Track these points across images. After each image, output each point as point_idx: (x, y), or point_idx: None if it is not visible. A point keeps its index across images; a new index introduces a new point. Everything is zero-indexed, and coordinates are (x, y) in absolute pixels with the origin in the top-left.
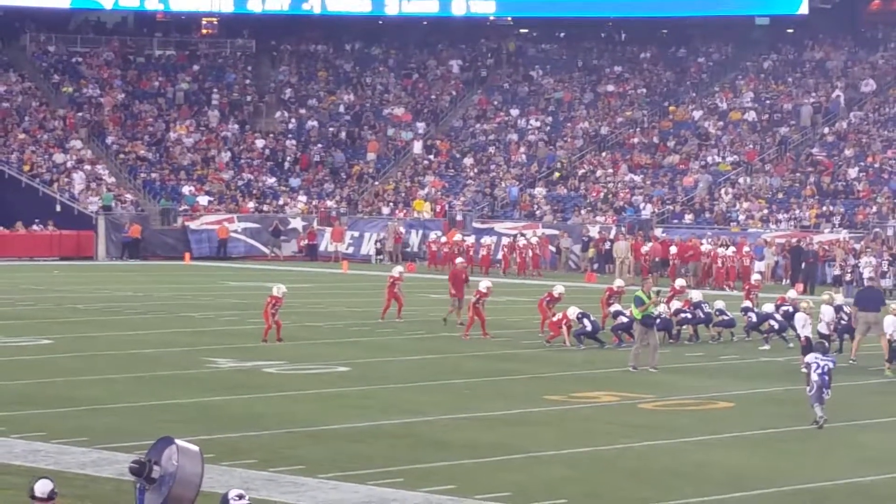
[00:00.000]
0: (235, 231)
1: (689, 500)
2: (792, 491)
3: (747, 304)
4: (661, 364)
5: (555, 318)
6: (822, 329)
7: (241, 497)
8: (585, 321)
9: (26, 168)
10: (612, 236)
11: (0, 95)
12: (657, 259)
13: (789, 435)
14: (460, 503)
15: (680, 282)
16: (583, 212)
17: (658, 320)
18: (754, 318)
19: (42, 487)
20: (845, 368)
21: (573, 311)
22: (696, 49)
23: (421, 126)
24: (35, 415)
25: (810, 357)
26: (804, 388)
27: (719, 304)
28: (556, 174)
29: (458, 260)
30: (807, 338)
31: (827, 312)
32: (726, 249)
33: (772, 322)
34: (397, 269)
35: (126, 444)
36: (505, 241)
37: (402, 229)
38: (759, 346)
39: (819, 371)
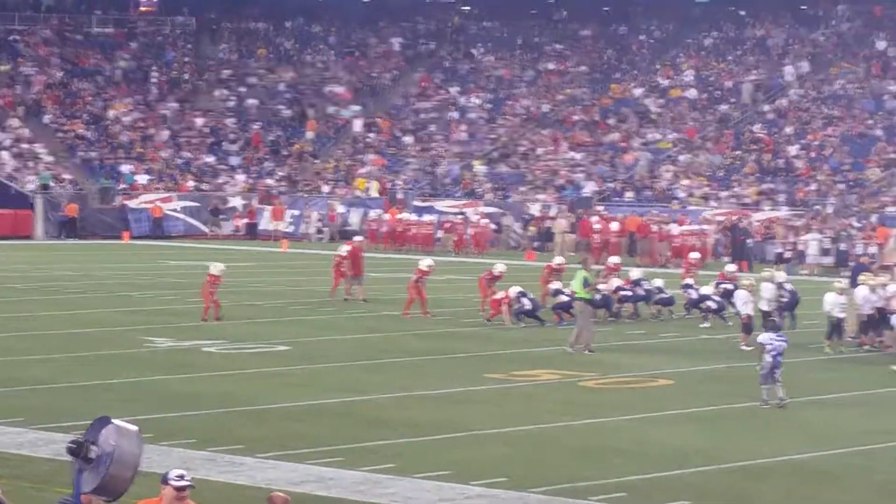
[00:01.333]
0: (174, 210)
1: (631, 478)
2: (733, 468)
3: (688, 281)
4: (603, 342)
5: (496, 297)
6: (764, 307)
7: (181, 477)
8: (524, 300)
9: None
10: (552, 214)
11: None
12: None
13: (730, 412)
14: (400, 482)
15: (614, 259)
16: (521, 188)
17: (598, 297)
18: (694, 296)
19: None
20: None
21: (514, 291)
22: (637, 27)
23: (361, 104)
24: None
25: (763, 337)
26: (745, 366)
27: (658, 282)
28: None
29: (357, 238)
30: (748, 315)
31: (767, 289)
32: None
33: (709, 303)
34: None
35: (63, 424)
36: (446, 219)
37: (340, 208)
38: (699, 323)
39: (773, 352)
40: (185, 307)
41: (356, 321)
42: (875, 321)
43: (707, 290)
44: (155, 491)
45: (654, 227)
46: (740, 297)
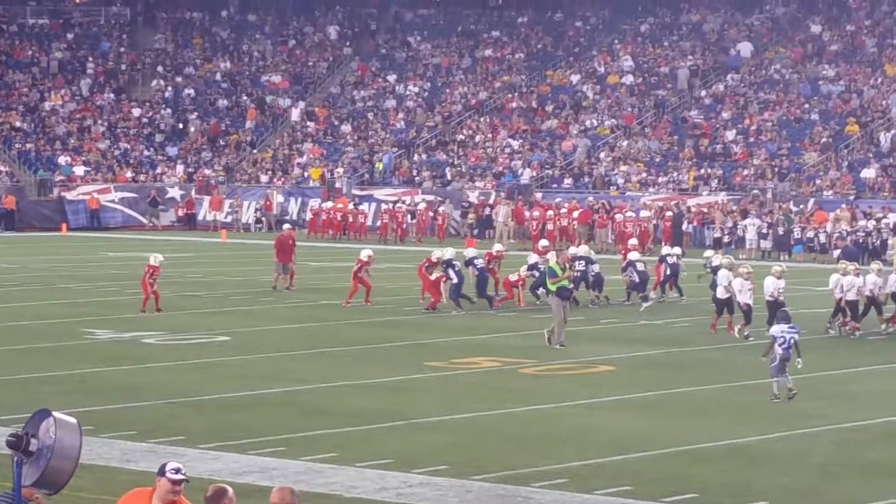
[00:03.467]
0: (112, 201)
1: (571, 464)
2: (672, 452)
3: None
4: (540, 329)
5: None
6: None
7: (177, 471)
8: (451, 272)
9: None
10: (491, 201)
11: None
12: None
13: (670, 397)
14: (342, 471)
15: (497, 247)
16: (451, 176)
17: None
18: (636, 279)
19: None
20: (724, 330)
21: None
22: (572, 13)
23: (298, 93)
24: None
25: (776, 329)
26: (684, 351)
27: (595, 268)
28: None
29: (285, 226)
30: (748, 304)
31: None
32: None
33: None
34: (365, 253)
35: (3, 417)
36: (384, 207)
37: (278, 197)
38: (638, 308)
39: (784, 345)
40: (124, 299)
41: (295, 311)
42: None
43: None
44: (96, 484)
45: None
46: (737, 284)
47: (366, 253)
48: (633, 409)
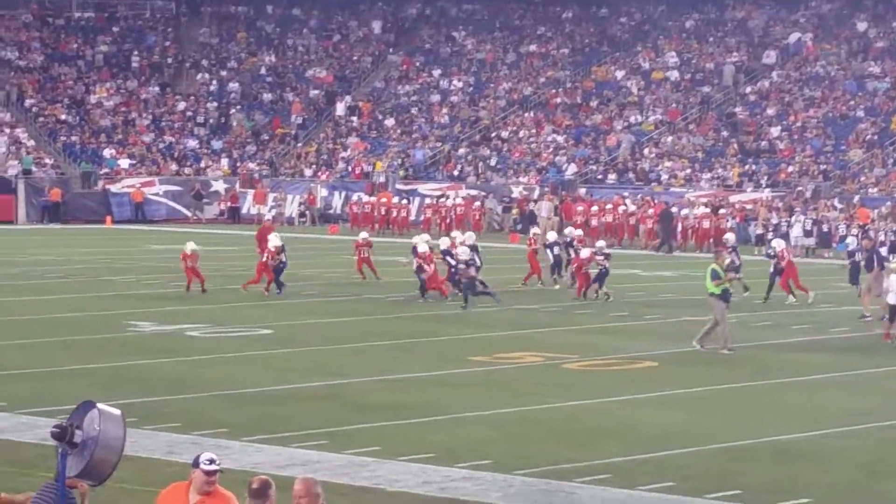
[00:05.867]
0: (156, 194)
1: (615, 460)
2: (717, 449)
3: None
4: (585, 324)
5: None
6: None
7: (211, 461)
8: (450, 258)
9: None
10: (535, 197)
11: None
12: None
13: (712, 394)
14: (385, 464)
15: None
16: (494, 174)
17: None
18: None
19: None
20: (769, 326)
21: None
22: (617, 9)
23: (343, 88)
24: None
25: None
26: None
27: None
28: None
29: (266, 218)
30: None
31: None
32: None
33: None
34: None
35: (47, 408)
36: (427, 201)
37: (323, 191)
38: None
39: None
40: (168, 291)
41: (338, 305)
42: None
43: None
44: (139, 476)
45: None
46: (893, 283)
47: (362, 235)
48: (677, 405)
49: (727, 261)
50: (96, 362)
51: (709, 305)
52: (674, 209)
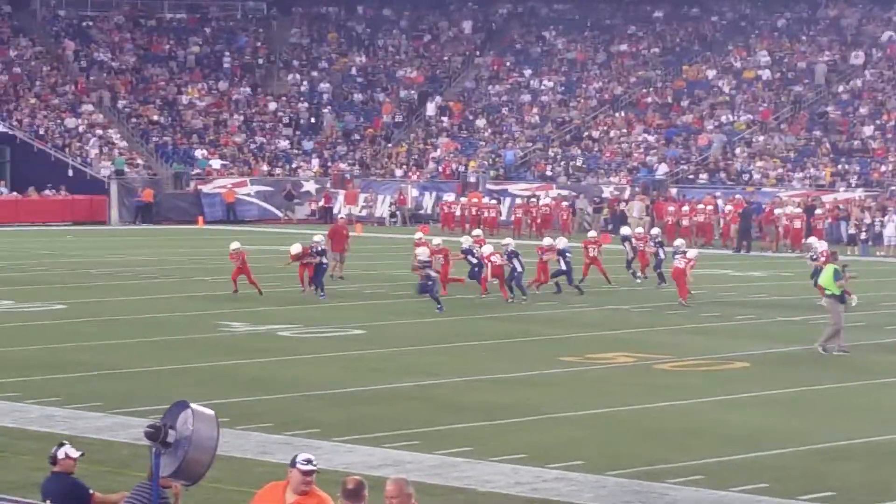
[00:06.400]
0: (248, 195)
1: (706, 461)
2: (809, 450)
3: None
4: (676, 325)
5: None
6: None
7: (308, 461)
8: (515, 262)
9: (38, 133)
10: (626, 197)
11: (11, 60)
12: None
13: (805, 395)
14: (476, 465)
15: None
16: (585, 174)
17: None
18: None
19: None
20: (862, 327)
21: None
22: (709, 8)
23: (433, 88)
24: (50, 380)
25: None
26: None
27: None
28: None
29: (340, 216)
30: None
31: None
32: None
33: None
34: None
35: (141, 408)
36: (518, 202)
37: (413, 191)
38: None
39: None
40: (259, 291)
41: (430, 304)
42: None
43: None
44: (232, 476)
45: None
46: None
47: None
48: (769, 406)
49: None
50: (189, 362)
51: (827, 307)
52: (755, 209)
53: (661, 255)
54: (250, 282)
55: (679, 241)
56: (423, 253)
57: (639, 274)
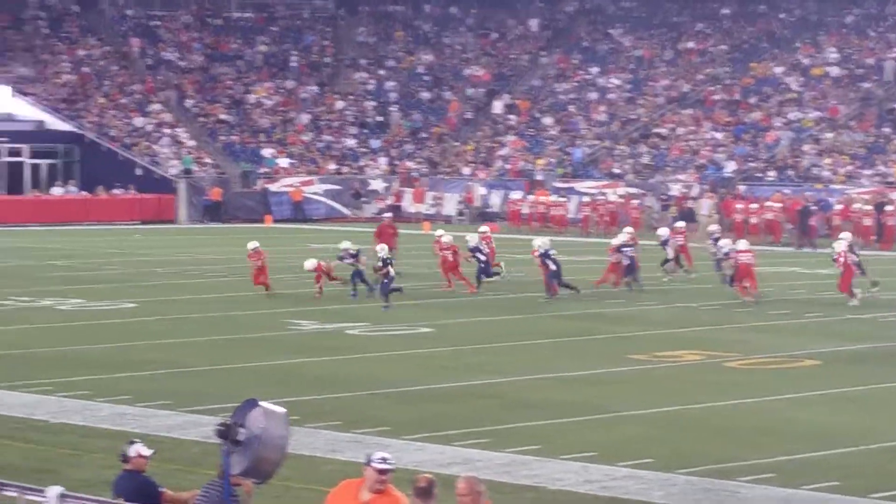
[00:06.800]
0: (315, 193)
1: (777, 458)
2: (880, 448)
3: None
4: (745, 322)
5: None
6: None
7: (384, 460)
8: (549, 261)
9: (106, 132)
10: (694, 194)
11: (80, 60)
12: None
13: (876, 392)
14: (546, 463)
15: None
16: (653, 172)
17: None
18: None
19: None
20: None
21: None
22: (777, 5)
23: (500, 86)
24: (120, 378)
25: None
26: (889, 345)
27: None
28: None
29: (386, 214)
30: None
31: None
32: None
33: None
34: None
35: (210, 406)
36: (585, 199)
37: (481, 190)
38: (847, 302)
39: None
40: (328, 290)
41: (498, 303)
42: None
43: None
44: (302, 474)
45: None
46: None
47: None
48: (840, 404)
49: None
50: (258, 360)
51: None
52: (813, 207)
53: (720, 254)
54: (263, 281)
55: (742, 243)
56: (472, 239)
57: (685, 267)
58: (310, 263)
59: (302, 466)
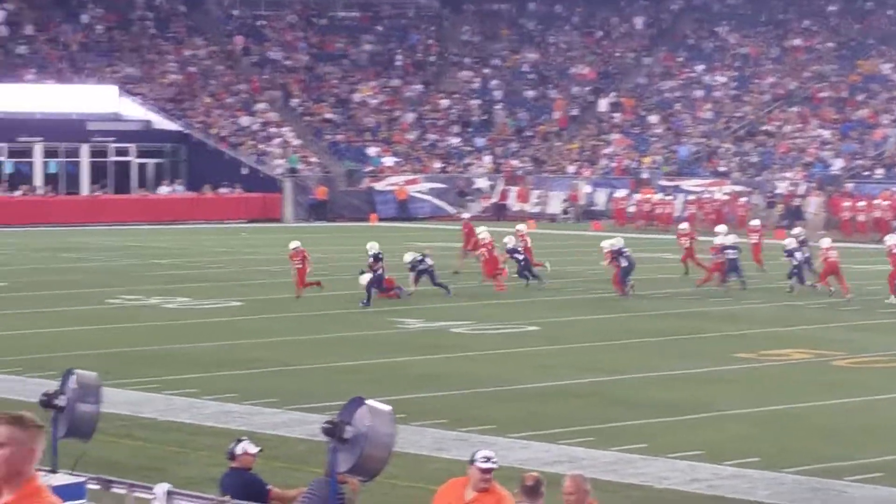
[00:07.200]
0: (420, 192)
1: (884, 458)
2: None
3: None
4: (850, 321)
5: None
6: None
7: (488, 459)
8: (622, 259)
9: (212, 132)
10: (801, 192)
11: (186, 59)
12: None
13: None
14: (652, 462)
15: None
16: (759, 170)
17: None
18: None
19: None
20: None
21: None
22: (884, 1)
23: (605, 84)
24: (226, 376)
25: None
26: None
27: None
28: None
29: (464, 217)
30: None
31: None
32: None
33: None
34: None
35: (316, 404)
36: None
37: (586, 188)
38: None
39: None
40: (434, 289)
41: (602, 301)
42: None
43: None
44: (408, 472)
45: None
46: None
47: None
48: None
49: None
50: (364, 358)
51: None
52: None
53: (804, 255)
54: (302, 283)
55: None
56: (510, 240)
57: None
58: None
59: (408, 464)
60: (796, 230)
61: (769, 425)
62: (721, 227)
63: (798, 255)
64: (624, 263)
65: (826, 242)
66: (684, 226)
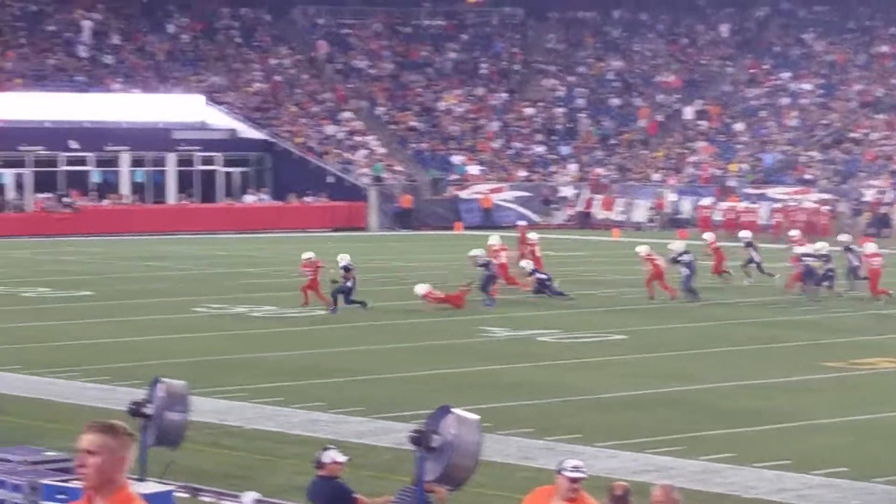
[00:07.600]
0: (505, 200)
1: None
2: None
3: None
4: None
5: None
6: None
7: (576, 468)
8: (682, 267)
9: (298, 140)
10: (888, 200)
11: (271, 68)
12: None
13: None
14: (740, 471)
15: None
16: (846, 177)
17: None
18: None
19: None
20: None
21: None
22: None
23: (690, 92)
24: (313, 385)
25: None
26: None
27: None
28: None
29: (521, 223)
30: None
31: None
32: None
33: None
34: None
35: (403, 413)
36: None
37: (671, 196)
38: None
39: None
40: (520, 297)
41: (691, 310)
42: None
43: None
44: (495, 481)
45: None
46: None
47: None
48: None
49: None
50: (451, 367)
51: None
52: None
53: (855, 262)
54: (317, 295)
55: (871, 246)
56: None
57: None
58: (421, 288)
59: (495, 473)
60: (844, 236)
61: (859, 434)
62: (794, 232)
63: (851, 258)
64: (685, 271)
65: (871, 248)
66: (708, 235)
